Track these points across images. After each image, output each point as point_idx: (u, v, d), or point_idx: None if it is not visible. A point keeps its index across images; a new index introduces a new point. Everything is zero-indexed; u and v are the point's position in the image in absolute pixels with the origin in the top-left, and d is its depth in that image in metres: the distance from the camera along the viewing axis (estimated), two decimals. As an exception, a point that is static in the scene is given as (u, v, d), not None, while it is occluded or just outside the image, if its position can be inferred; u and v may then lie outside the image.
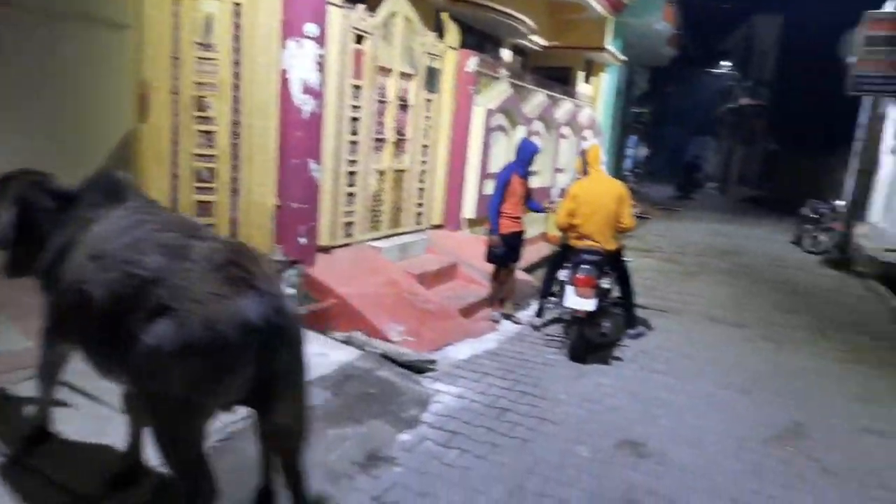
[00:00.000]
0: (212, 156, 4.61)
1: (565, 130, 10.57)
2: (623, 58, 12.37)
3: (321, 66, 4.71)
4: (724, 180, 28.10)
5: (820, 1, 21.23)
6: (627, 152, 29.97)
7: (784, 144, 24.63)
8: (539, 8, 11.26)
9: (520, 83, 8.69)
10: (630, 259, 5.44)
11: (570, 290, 4.61)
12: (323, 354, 4.12)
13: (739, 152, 28.72)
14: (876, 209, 12.01)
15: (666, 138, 49.47)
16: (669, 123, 46.98)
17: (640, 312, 5.98)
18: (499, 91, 7.67)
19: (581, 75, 11.75)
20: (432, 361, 4.40)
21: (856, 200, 10.07)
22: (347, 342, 4.51)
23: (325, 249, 5.30)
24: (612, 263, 4.99)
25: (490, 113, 7.36)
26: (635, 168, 32.10)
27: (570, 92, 11.15)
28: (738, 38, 28.56)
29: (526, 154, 5.44)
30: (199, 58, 4.45)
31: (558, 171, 10.44)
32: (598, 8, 11.40)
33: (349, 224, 5.61)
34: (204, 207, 4.68)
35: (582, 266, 4.65)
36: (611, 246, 4.93)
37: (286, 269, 4.92)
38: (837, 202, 12.21)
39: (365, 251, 5.71)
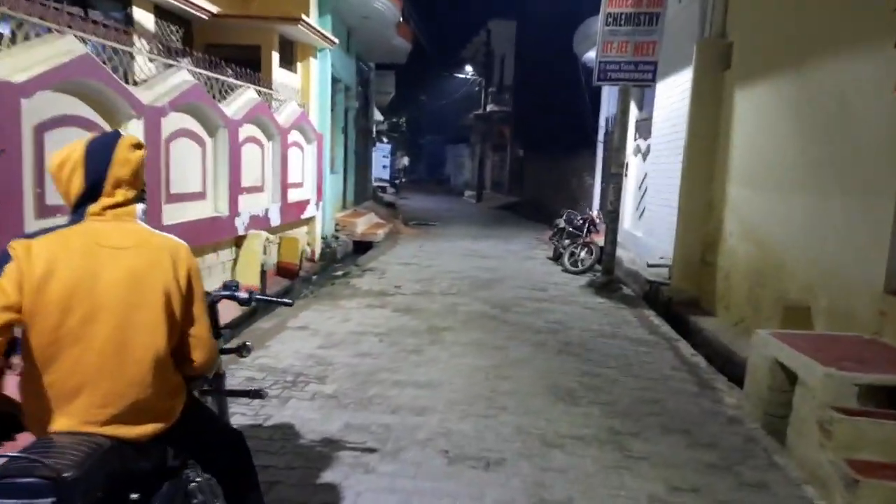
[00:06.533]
0: None
1: (251, 130, 7.29)
2: (333, 38, 9.51)
3: None
4: (478, 188, 27.44)
5: (548, 3, 21.29)
6: (383, 161, 27.95)
7: (529, 149, 24.69)
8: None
9: (153, 55, 5.17)
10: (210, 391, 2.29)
11: None
12: None
13: (491, 159, 28.54)
14: (626, 216, 10.94)
15: (424, 147, 49.58)
16: (426, 131, 47.02)
17: (330, 459, 2.93)
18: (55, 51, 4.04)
19: (275, 58, 8.55)
20: None
21: (614, 211, 8.48)
22: None
23: None
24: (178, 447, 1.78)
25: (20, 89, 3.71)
26: (394, 178, 30.35)
27: (257, 78, 7.89)
28: (477, 44, 28.32)
29: None
30: None
31: (245, 191, 7.12)
32: (291, -34, 8.35)
33: None
34: None
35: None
36: (149, 426, 1.62)
37: None
38: (593, 212, 10.92)
39: None
